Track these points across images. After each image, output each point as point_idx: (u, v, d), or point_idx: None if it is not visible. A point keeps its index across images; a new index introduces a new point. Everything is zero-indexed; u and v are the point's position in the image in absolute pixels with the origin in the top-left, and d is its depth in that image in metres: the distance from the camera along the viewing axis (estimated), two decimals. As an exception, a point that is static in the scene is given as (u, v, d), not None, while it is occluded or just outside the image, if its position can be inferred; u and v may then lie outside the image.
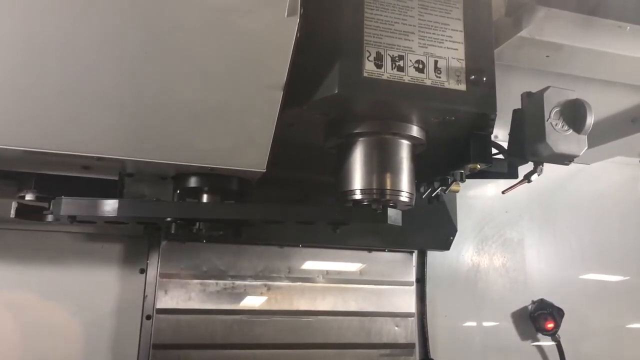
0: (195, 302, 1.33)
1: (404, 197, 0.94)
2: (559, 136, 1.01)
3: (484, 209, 1.69)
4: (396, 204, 0.95)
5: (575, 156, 1.02)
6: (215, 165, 0.87)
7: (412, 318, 1.50)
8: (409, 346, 1.49)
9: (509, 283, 1.68)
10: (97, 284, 1.26)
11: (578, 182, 1.80)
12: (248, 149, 0.85)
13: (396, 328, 1.49)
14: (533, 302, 1.68)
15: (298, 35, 0.76)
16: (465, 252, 1.65)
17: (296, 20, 0.74)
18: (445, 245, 1.51)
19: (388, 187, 0.93)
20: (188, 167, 0.88)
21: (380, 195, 0.93)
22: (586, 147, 1.03)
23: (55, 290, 1.22)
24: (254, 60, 0.77)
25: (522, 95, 1.07)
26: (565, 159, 1.03)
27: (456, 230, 1.49)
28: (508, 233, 1.72)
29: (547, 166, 1.08)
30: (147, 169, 0.90)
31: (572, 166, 1.09)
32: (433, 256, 1.58)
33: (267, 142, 0.84)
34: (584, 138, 1.02)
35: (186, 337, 1.30)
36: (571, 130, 1.02)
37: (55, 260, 1.25)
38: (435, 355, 1.52)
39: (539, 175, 1.06)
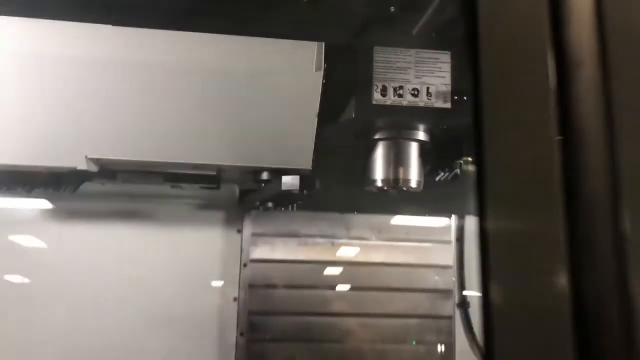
0: (278, 254, 1.80)
1: (413, 183, 1.31)
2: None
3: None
4: (408, 189, 1.33)
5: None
6: (278, 165, 1.29)
7: (450, 269, 1.87)
8: (447, 291, 1.87)
9: None
10: (207, 241, 1.77)
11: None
12: (299, 154, 1.27)
13: (436, 277, 1.87)
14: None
15: (324, 81, 1.14)
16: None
17: (321, 73, 1.13)
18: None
19: (400, 177, 1.30)
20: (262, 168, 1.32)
21: (395, 183, 1.31)
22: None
23: (181, 246, 1.75)
24: (295, 100, 1.17)
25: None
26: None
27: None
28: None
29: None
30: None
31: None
32: (470, 220, 1.92)
33: (310, 152, 1.25)
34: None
35: (272, 279, 1.78)
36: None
37: (181, 224, 1.77)
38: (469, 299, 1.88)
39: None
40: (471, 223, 1.93)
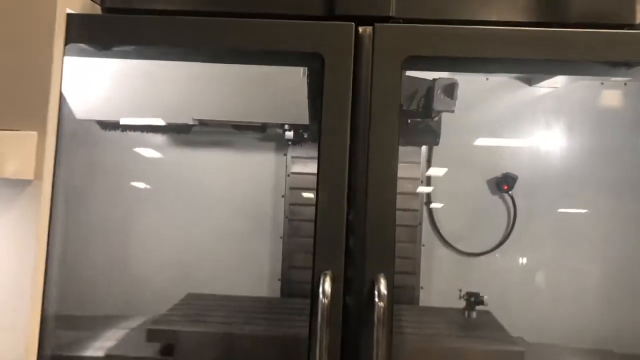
0: (308, 169, 2.89)
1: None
2: (441, 101, 2.25)
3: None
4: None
5: (449, 110, 2.25)
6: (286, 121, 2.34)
7: (418, 180, 2.88)
8: (416, 194, 2.89)
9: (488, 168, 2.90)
10: (265, 161, 2.89)
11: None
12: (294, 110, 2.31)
13: (409, 185, 2.88)
14: (502, 175, 2.87)
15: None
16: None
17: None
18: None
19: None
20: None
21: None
22: (455, 107, 2.24)
23: (249, 164, 2.89)
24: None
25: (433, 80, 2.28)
26: (445, 110, 2.27)
27: (438, 136, 2.74)
28: (491, 136, 2.89)
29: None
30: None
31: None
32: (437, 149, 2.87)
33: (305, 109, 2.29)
34: (453, 101, 2.24)
35: (304, 184, 2.89)
36: (447, 98, 2.25)
37: (250, 151, 2.90)
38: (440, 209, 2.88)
39: (434, 117, 2.34)
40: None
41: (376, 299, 1.47)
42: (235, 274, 2.72)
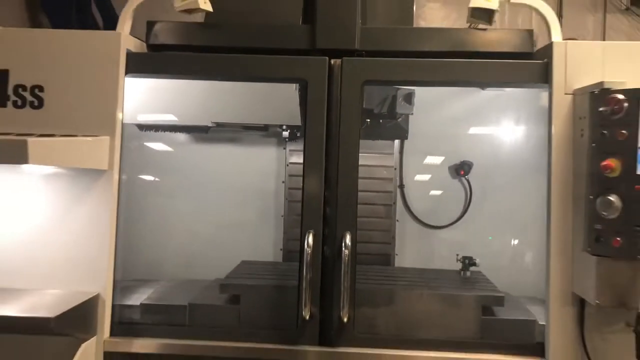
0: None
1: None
2: (402, 106, 2.92)
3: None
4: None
5: (408, 113, 2.93)
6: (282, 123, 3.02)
7: (392, 168, 3.55)
8: (390, 179, 3.56)
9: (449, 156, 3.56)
10: (269, 153, 3.56)
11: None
12: (289, 114, 3.00)
13: (384, 172, 3.56)
14: (460, 163, 3.53)
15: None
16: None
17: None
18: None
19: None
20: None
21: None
22: (413, 110, 2.92)
23: (255, 156, 3.57)
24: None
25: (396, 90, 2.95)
26: (405, 113, 2.95)
27: (407, 132, 3.40)
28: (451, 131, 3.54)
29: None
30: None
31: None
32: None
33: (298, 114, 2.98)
34: (411, 106, 2.91)
35: (300, 172, 3.57)
36: (406, 103, 2.92)
37: (255, 145, 3.57)
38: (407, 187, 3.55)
39: (398, 119, 3.01)
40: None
41: (344, 249, 2.16)
42: (248, 245, 3.41)
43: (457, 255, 3.16)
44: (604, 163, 1.88)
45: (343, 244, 2.17)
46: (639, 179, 1.84)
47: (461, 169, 3.50)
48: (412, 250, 3.56)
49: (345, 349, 2.17)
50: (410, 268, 3.44)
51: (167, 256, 3.12)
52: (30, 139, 1.87)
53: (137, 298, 2.62)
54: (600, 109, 1.91)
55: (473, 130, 3.47)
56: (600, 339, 2.04)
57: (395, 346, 2.19)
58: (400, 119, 3.14)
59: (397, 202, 3.59)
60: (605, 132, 1.90)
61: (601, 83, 1.94)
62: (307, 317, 2.14)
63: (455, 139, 3.45)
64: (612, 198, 1.86)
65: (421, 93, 3.08)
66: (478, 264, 3.10)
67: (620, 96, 1.87)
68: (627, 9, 6.18)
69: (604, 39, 6.19)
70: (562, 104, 2.13)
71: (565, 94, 2.13)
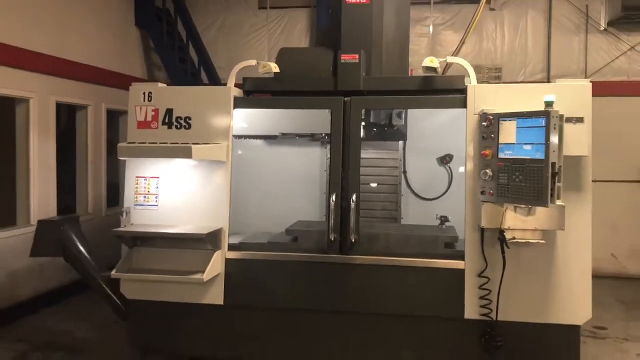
0: (339, 155, 5.41)
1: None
2: (396, 119, 4.69)
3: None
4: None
5: (400, 124, 4.70)
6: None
7: (397, 159, 5.31)
8: (396, 167, 5.32)
9: (437, 151, 5.28)
10: (315, 152, 5.40)
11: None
12: (327, 127, 4.83)
13: (392, 162, 5.32)
14: (444, 155, 5.23)
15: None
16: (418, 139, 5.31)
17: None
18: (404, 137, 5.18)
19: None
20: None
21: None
22: (402, 122, 4.68)
23: (304, 154, 5.43)
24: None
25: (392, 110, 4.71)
26: (398, 125, 4.72)
27: (406, 136, 5.15)
28: (443, 134, 5.25)
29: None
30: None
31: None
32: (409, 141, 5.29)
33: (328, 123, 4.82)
34: (402, 120, 4.68)
35: (336, 164, 5.40)
36: (398, 118, 4.69)
37: (304, 146, 5.43)
38: (409, 172, 5.30)
39: (394, 128, 4.79)
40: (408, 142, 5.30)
41: (352, 202, 3.98)
42: (302, 210, 5.26)
43: (437, 215, 4.89)
44: (483, 152, 3.62)
45: (351, 200, 3.99)
46: (500, 160, 3.55)
47: (445, 159, 5.25)
48: (412, 215, 5.33)
49: (353, 255, 3.99)
50: (406, 224, 5.20)
51: (253, 215, 5.04)
52: (192, 145, 3.84)
53: (237, 238, 4.54)
54: (483, 123, 3.65)
55: (452, 132, 5.18)
56: (490, 247, 3.75)
57: (383, 255, 3.99)
58: (396, 128, 4.92)
59: (402, 182, 5.39)
60: (484, 135, 3.63)
61: (482, 110, 3.68)
62: (332, 239, 3.98)
63: (440, 138, 5.16)
64: (488, 170, 3.60)
65: (415, 111, 4.87)
66: (450, 220, 4.83)
67: (491, 116, 3.61)
68: (605, 29, 7.61)
69: (586, 56, 7.66)
70: (472, 120, 3.85)
71: (474, 114, 3.85)
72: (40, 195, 5.97)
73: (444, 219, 4.84)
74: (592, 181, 7.55)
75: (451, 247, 4.34)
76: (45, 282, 6.08)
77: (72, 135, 6.87)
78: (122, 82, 7.31)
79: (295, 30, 8.36)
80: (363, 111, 4.21)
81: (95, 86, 6.89)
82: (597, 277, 7.33)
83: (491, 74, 6.61)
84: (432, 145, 5.27)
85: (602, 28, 7.61)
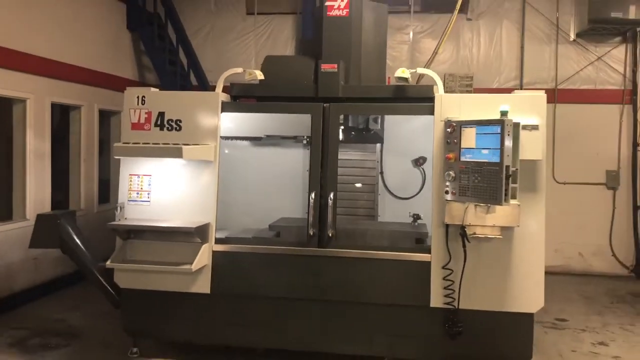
0: (320, 157, 5.77)
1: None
2: (372, 124, 5.07)
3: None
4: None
5: (377, 129, 5.07)
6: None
7: (374, 161, 5.69)
8: (374, 168, 5.70)
9: (412, 154, 5.66)
10: (298, 153, 5.76)
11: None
12: (308, 130, 5.19)
13: (370, 164, 5.70)
14: (418, 157, 5.61)
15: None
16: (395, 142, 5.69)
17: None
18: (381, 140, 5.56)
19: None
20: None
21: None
22: (379, 127, 5.06)
23: (290, 155, 5.79)
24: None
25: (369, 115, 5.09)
26: (375, 129, 5.09)
27: (382, 139, 5.52)
28: (417, 138, 5.63)
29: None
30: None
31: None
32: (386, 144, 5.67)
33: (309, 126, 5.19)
34: (378, 124, 5.06)
35: (318, 164, 5.77)
36: (374, 123, 5.07)
37: (289, 148, 5.79)
38: (385, 173, 5.68)
39: (371, 132, 5.16)
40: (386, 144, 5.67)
41: (329, 200, 4.35)
42: (285, 206, 5.61)
43: (410, 213, 5.28)
44: (447, 155, 4.01)
45: (329, 198, 4.36)
46: (461, 163, 3.94)
47: (419, 161, 5.64)
48: (388, 213, 5.71)
49: (330, 249, 4.36)
50: (382, 221, 5.58)
51: (239, 212, 5.39)
52: (183, 146, 4.18)
53: (224, 233, 4.88)
54: (447, 129, 4.04)
55: (425, 136, 5.56)
56: (454, 242, 4.14)
57: (358, 248, 4.36)
58: (373, 132, 5.30)
59: (379, 182, 5.76)
60: (448, 140, 4.02)
61: (447, 117, 4.07)
62: (312, 234, 4.35)
63: (414, 142, 5.54)
64: (451, 172, 3.98)
65: (392, 117, 5.25)
66: (422, 217, 5.21)
67: (454, 123, 4.00)
68: (574, 40, 8.06)
69: (556, 65, 8.10)
70: (439, 126, 4.23)
71: (441, 120, 4.23)
72: (35, 192, 6.26)
73: (416, 217, 5.22)
74: (561, 184, 8.04)
75: (422, 243, 4.73)
76: (39, 274, 6.37)
77: (65, 134, 7.16)
78: (114, 83, 7.64)
79: (281, 35, 8.71)
80: (342, 116, 4.59)
81: (89, 87, 7.18)
82: (565, 274, 7.94)
83: (463, 82, 7.01)
84: (408, 149, 5.65)
85: (571, 39, 8.05)
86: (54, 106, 6.68)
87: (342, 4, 4.78)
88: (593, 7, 7.37)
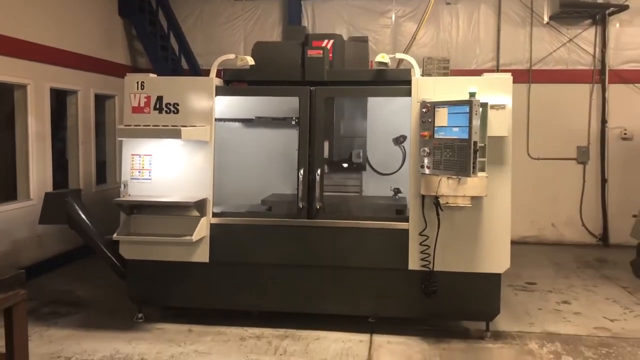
0: (308, 136, 6.17)
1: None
2: (356, 158, 5.48)
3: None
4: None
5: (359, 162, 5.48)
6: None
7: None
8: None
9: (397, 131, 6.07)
10: (289, 134, 6.16)
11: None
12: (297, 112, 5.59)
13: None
14: (399, 136, 6.03)
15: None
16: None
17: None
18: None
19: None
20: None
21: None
22: (361, 160, 5.46)
23: (282, 135, 6.18)
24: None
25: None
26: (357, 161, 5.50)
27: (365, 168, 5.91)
28: (398, 118, 6.04)
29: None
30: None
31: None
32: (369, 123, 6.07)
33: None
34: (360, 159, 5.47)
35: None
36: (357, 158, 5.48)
37: (281, 128, 6.18)
38: (369, 151, 6.11)
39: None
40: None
41: (317, 176, 4.78)
42: (276, 183, 6.00)
43: (391, 187, 5.72)
44: (422, 133, 4.44)
45: (317, 174, 4.78)
46: (435, 140, 4.38)
47: (400, 139, 6.05)
48: (372, 187, 6.14)
49: (319, 220, 4.80)
50: (366, 196, 6.02)
51: (233, 188, 5.79)
52: (182, 128, 4.57)
53: (218, 208, 5.29)
54: (423, 109, 4.47)
55: (403, 117, 5.98)
56: (429, 211, 4.60)
57: (342, 219, 4.81)
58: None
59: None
60: (423, 120, 4.46)
61: (422, 99, 4.50)
62: (301, 206, 4.78)
63: (395, 122, 5.93)
64: (426, 148, 4.42)
65: (374, 99, 5.65)
66: (402, 192, 5.65)
67: (429, 104, 4.42)
68: (547, 23, 8.48)
69: (531, 47, 8.54)
70: (416, 107, 4.66)
71: (417, 102, 4.65)
72: (37, 173, 6.61)
73: (397, 191, 5.67)
74: (535, 159, 8.54)
75: (402, 214, 5.18)
76: (43, 251, 6.74)
77: (62, 117, 7.48)
78: (108, 68, 7.95)
79: (268, 20, 9.02)
80: (327, 150, 5.04)
81: (85, 73, 7.48)
82: (539, 244, 8.49)
83: (440, 65, 7.40)
84: (390, 128, 6.06)
85: (545, 22, 8.47)
86: (52, 91, 6.99)
87: None
88: (564, -9, 7.80)
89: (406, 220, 4.74)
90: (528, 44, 8.55)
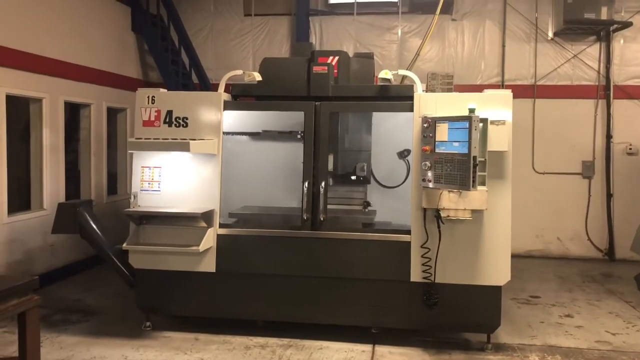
0: (314, 150, 6.31)
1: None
2: (360, 171, 5.61)
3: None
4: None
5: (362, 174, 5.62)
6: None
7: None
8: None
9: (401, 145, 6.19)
10: (294, 147, 6.30)
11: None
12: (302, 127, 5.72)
13: (360, 156, 6.23)
14: (403, 150, 6.15)
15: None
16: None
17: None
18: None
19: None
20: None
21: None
22: (364, 173, 5.60)
23: (284, 148, 6.33)
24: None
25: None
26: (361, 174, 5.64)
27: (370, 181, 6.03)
28: (402, 133, 6.16)
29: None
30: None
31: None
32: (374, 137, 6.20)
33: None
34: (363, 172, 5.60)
35: (311, 157, 6.30)
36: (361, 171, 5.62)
37: (284, 142, 6.32)
38: (374, 165, 6.22)
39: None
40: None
41: (321, 189, 4.90)
42: (281, 194, 6.12)
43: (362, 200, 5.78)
44: (424, 148, 4.56)
45: (321, 186, 4.90)
46: (436, 154, 4.49)
47: (403, 153, 6.17)
48: (377, 200, 6.24)
49: (322, 231, 4.91)
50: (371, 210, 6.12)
51: (239, 200, 5.92)
52: (190, 141, 4.72)
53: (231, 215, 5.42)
54: (424, 124, 4.59)
55: (407, 131, 6.10)
56: (431, 224, 4.70)
57: (343, 230, 4.92)
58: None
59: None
60: (424, 134, 4.57)
61: (424, 114, 4.62)
62: (305, 218, 4.90)
63: (399, 135, 6.05)
64: (427, 162, 4.53)
65: (380, 113, 5.77)
66: (372, 205, 5.70)
67: (430, 119, 4.54)
68: (552, 39, 8.60)
69: (535, 63, 8.64)
70: (418, 122, 4.78)
71: (419, 117, 4.77)
72: (51, 183, 6.79)
73: (367, 204, 5.72)
74: (540, 174, 8.61)
75: (369, 227, 5.24)
76: (55, 259, 6.90)
77: (75, 129, 7.68)
78: (120, 82, 8.16)
79: (277, 36, 9.22)
80: (331, 164, 5.14)
81: (97, 86, 7.69)
82: (544, 258, 8.52)
83: (444, 81, 7.52)
84: (394, 142, 6.17)
85: (549, 38, 8.58)
86: (66, 104, 7.19)
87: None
88: (568, 9, 7.91)
89: (408, 232, 4.84)
90: (533, 59, 8.66)
